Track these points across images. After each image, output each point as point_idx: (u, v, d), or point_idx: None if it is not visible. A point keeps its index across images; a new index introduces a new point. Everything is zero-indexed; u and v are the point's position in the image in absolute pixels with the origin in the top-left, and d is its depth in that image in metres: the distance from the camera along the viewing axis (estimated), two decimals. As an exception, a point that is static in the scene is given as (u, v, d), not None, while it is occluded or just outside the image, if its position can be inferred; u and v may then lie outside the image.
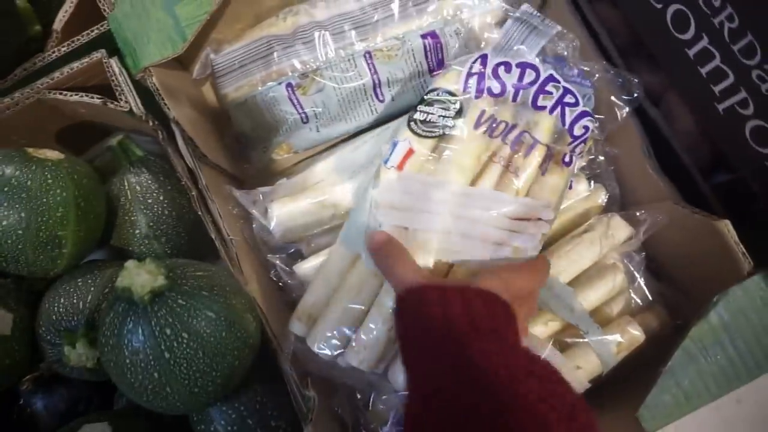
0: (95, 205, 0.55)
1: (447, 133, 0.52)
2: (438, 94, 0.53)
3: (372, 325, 0.51)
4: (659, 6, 0.47)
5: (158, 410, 0.47)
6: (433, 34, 0.62)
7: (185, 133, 0.54)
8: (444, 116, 0.53)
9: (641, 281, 0.58)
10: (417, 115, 0.53)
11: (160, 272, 0.44)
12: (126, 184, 0.59)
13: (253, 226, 0.59)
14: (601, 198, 0.61)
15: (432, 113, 0.53)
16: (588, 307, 0.54)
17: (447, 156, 0.51)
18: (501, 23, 0.64)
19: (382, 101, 0.64)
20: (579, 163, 0.57)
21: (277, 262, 0.59)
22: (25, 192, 0.49)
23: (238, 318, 0.48)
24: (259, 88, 0.63)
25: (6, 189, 0.49)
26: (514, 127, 0.51)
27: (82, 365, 0.50)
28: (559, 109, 0.52)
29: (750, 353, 0.47)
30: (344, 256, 0.54)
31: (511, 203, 0.50)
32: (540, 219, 0.51)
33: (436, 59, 0.63)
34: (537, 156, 0.51)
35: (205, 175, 0.55)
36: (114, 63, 0.55)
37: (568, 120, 0.52)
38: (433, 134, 0.53)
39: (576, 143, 0.52)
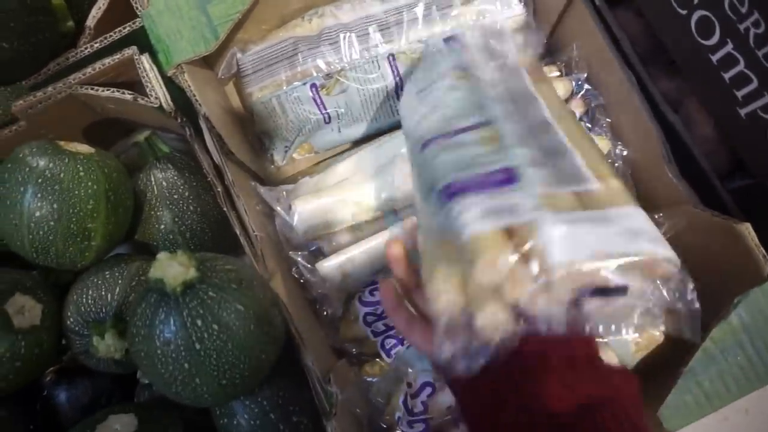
0: (124, 198, 0.56)
1: None
2: None
3: None
4: (684, 12, 0.48)
5: (186, 402, 0.47)
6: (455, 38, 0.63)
7: (214, 129, 0.55)
8: None
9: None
10: None
11: (191, 264, 0.45)
12: (152, 179, 0.60)
13: (276, 222, 0.60)
14: (619, 201, 0.62)
15: None
16: (608, 307, 0.55)
17: None
18: (523, 28, 0.66)
19: (404, 103, 0.65)
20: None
21: (299, 259, 0.60)
22: (58, 184, 0.50)
23: (264, 312, 0.49)
24: (284, 88, 0.64)
25: (40, 181, 0.50)
26: None
27: (110, 356, 0.50)
28: None
29: (770, 354, 0.48)
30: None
31: None
32: None
33: (457, 63, 0.63)
34: None
35: (231, 172, 0.56)
36: (145, 59, 0.56)
37: None
38: None
39: None
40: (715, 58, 0.47)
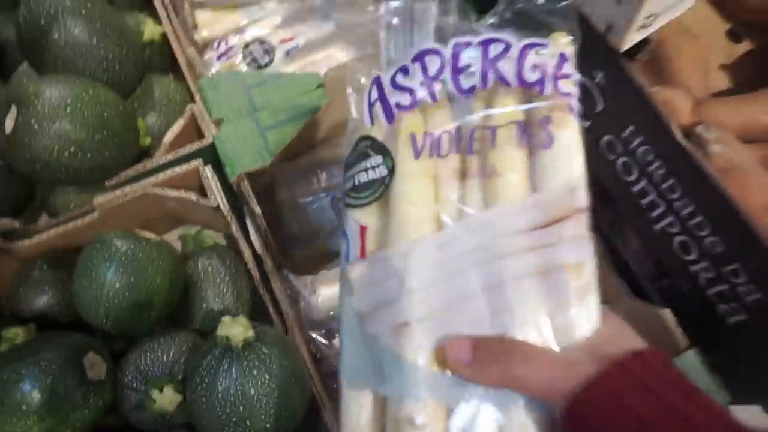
0: (180, 280, 0.68)
1: (389, 183, 0.38)
2: (356, 149, 0.40)
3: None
4: (612, 158, 0.68)
5: (232, 445, 0.56)
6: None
7: (264, 225, 0.69)
8: (374, 167, 0.38)
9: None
10: (348, 185, 0.40)
11: (250, 326, 0.57)
12: (199, 266, 0.72)
13: (301, 305, 0.73)
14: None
15: (361, 173, 0.39)
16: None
17: (400, 210, 0.37)
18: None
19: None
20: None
21: (317, 336, 0.72)
22: (136, 262, 0.62)
23: (299, 370, 0.60)
24: (309, 198, 0.80)
25: (123, 259, 0.62)
26: (458, 129, 0.38)
27: (166, 409, 0.59)
28: (492, 71, 0.37)
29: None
30: (362, 400, 0.37)
31: (518, 212, 0.36)
32: (576, 210, 0.37)
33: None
34: (508, 136, 0.37)
35: (269, 261, 0.70)
36: (207, 170, 0.72)
37: (509, 72, 0.37)
38: (375, 195, 0.38)
39: (546, 86, 0.37)
40: (634, 189, 0.66)
